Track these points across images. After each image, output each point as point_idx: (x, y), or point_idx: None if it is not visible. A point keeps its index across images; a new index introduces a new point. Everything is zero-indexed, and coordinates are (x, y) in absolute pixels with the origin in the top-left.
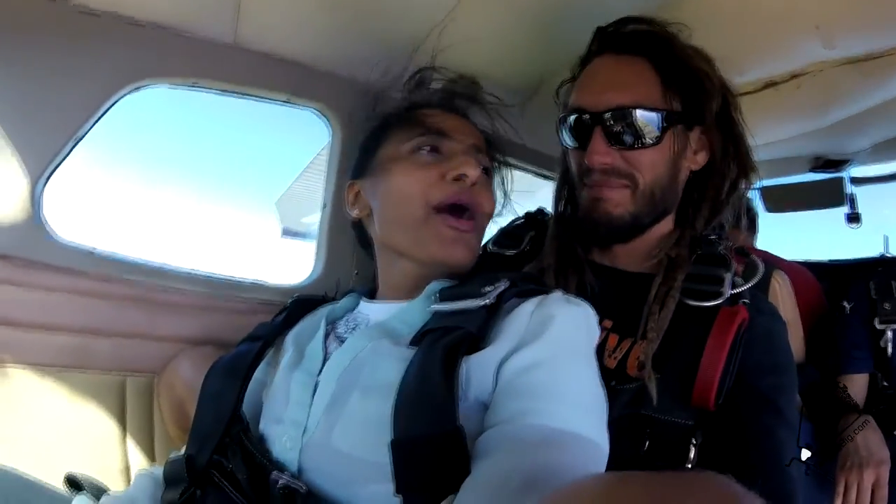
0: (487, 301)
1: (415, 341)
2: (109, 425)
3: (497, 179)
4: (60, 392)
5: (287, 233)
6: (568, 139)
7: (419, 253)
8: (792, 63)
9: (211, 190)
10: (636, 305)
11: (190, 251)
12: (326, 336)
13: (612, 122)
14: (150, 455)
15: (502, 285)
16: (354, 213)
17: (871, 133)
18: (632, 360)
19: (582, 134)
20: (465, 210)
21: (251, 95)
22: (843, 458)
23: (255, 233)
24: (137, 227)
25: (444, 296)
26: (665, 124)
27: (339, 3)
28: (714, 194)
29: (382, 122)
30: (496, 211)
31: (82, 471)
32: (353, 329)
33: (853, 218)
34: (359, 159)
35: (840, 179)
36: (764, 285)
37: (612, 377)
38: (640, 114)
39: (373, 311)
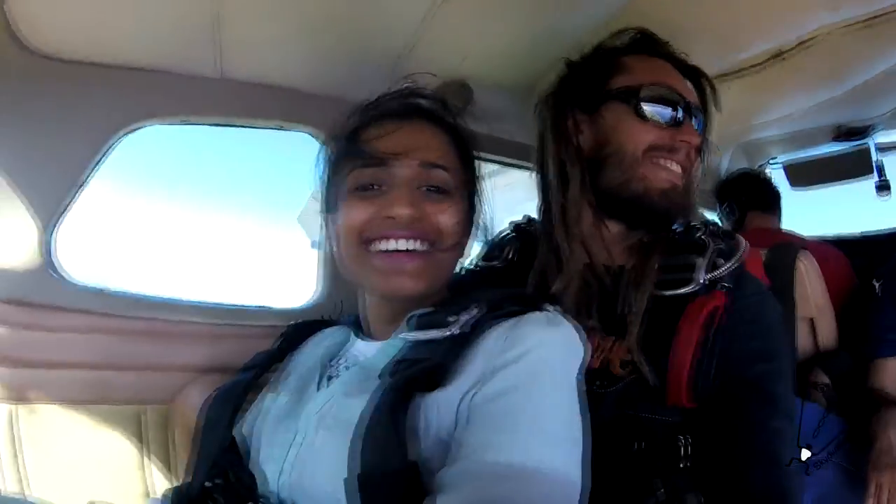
0: (454, 331)
1: (383, 374)
2: (131, 454)
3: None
4: (84, 425)
5: (315, 245)
6: (652, 112)
7: (368, 288)
8: (797, 30)
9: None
10: (615, 302)
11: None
12: (320, 380)
13: (694, 111)
14: (171, 481)
15: (473, 312)
16: (327, 247)
17: (891, 97)
18: (615, 359)
19: (668, 111)
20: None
21: (243, 125)
22: (876, 457)
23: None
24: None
25: (416, 324)
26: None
27: (317, 25)
28: None
29: (334, 152)
30: (477, 225)
31: (107, 498)
32: (346, 370)
33: (883, 187)
34: (324, 193)
35: (866, 148)
36: (790, 269)
37: (597, 377)
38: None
39: (362, 349)
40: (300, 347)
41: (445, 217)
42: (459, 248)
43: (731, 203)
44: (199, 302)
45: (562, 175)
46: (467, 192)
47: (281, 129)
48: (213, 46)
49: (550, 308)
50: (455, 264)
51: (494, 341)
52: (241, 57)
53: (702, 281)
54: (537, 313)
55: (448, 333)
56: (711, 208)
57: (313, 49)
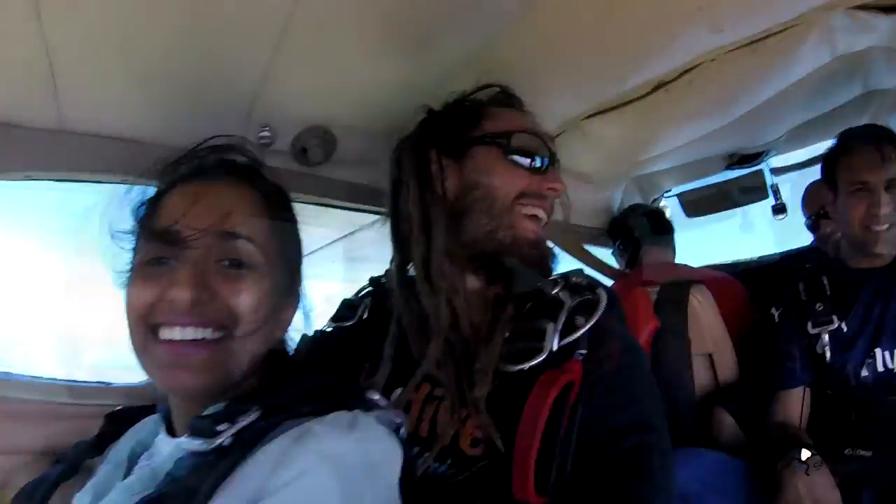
0: (223, 442)
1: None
2: None
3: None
4: None
5: None
6: (522, 158)
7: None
8: (679, 57)
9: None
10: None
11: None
12: (125, 477)
13: (554, 161)
14: None
15: (250, 417)
16: None
17: (784, 120)
18: (465, 436)
19: (537, 158)
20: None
21: (89, 180)
22: None
23: None
24: None
25: (191, 429)
26: None
27: (156, 74)
28: None
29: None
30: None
31: None
32: (142, 470)
33: (779, 209)
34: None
35: (760, 172)
36: (682, 306)
37: (448, 456)
38: None
39: (161, 446)
40: (119, 438)
41: (244, 297)
42: (269, 329)
43: (623, 240)
44: (33, 379)
45: (424, 223)
46: (283, 261)
47: (125, 182)
48: (51, 95)
49: (374, 398)
50: (263, 348)
51: (268, 457)
52: (81, 107)
53: (553, 349)
54: (339, 414)
55: (214, 446)
56: (605, 246)
57: (157, 99)
